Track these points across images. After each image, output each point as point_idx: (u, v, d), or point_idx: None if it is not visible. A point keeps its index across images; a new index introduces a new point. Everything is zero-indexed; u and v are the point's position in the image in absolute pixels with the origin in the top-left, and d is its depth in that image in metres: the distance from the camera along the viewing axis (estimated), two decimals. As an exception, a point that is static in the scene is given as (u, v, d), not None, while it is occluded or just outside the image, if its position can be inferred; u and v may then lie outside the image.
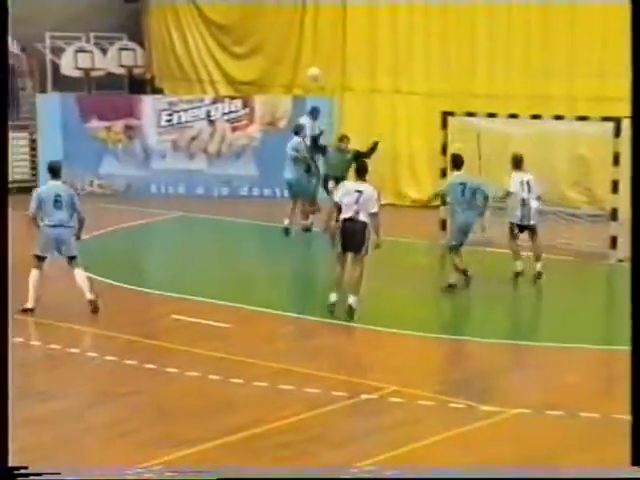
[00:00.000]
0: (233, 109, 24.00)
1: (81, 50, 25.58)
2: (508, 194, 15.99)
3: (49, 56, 25.62)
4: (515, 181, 15.95)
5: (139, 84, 26.50)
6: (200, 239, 20.21)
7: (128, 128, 24.22)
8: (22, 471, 6.58)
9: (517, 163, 16.15)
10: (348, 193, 13.65)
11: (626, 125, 16.46)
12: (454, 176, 15.67)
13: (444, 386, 11.20)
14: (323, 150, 19.62)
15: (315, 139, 19.75)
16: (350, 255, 13.68)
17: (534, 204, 16.02)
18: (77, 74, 25.48)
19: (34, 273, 13.80)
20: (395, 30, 23.01)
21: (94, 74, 25.75)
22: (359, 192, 13.56)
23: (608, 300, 16.44)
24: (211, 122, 23.99)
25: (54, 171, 14.15)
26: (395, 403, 10.57)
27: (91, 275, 16.02)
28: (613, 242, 17.13)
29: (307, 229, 19.41)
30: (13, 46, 23.88)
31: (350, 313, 13.53)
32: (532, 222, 16.00)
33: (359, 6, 23.34)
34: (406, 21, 22.92)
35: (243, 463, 9.01)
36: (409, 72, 22.97)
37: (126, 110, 24.28)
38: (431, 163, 20.84)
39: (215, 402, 10.69)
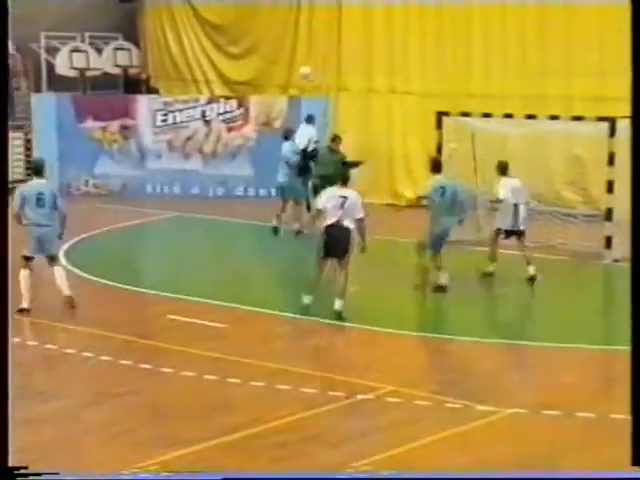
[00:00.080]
0: (228, 109, 23.99)
1: (76, 50, 25.53)
2: (499, 201, 15.98)
3: (44, 56, 25.58)
4: (504, 187, 15.95)
5: (134, 84, 26.47)
6: (196, 239, 20.19)
7: (123, 128, 24.19)
8: (22, 471, 6.56)
9: (503, 169, 16.18)
10: (332, 198, 13.71)
11: (621, 125, 16.49)
12: (434, 180, 15.63)
13: (440, 386, 11.20)
14: (314, 156, 19.77)
15: (305, 150, 19.87)
16: (334, 261, 13.75)
17: (523, 210, 16.03)
18: (72, 74, 25.43)
19: (24, 274, 13.81)
20: (390, 30, 23.00)
21: (89, 74, 25.71)
22: (344, 198, 13.64)
23: (604, 300, 16.46)
24: (206, 122, 23.97)
25: (37, 169, 14.24)
26: (391, 403, 10.57)
27: (86, 275, 16.06)
28: (608, 242, 17.14)
29: (299, 232, 19.38)
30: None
31: (339, 317, 13.57)
32: (522, 227, 16.00)
33: (354, 6, 23.33)
34: (401, 21, 22.92)
35: (239, 463, 9.01)
36: (404, 72, 22.96)
37: (121, 110, 24.24)
38: (427, 163, 20.79)
39: (211, 402, 10.68)
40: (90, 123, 24.13)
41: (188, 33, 25.84)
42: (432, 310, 15.34)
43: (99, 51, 26.00)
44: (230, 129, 23.93)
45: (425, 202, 15.59)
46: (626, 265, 16.39)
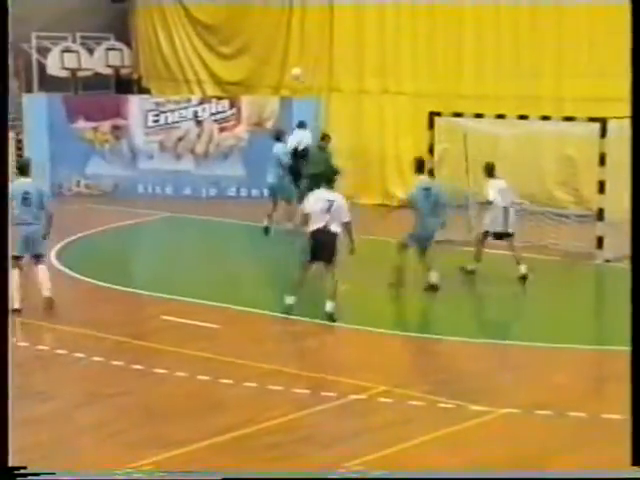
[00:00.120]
0: (220, 109, 23.98)
1: (67, 50, 25.49)
2: (489, 203, 16.00)
3: (35, 56, 25.53)
4: (493, 189, 15.96)
5: (126, 84, 26.44)
6: (188, 240, 20.17)
7: (115, 128, 24.17)
8: (22, 471, 6.58)
9: (490, 171, 16.19)
10: (319, 201, 13.73)
11: (612, 126, 16.53)
12: (419, 181, 15.63)
13: (433, 386, 11.20)
14: (305, 155, 19.78)
15: (296, 149, 19.87)
16: (322, 264, 13.76)
17: (512, 213, 16.06)
18: (64, 74, 25.39)
19: (13, 273, 13.78)
20: (382, 30, 23.01)
21: (81, 74, 25.67)
22: (330, 201, 13.67)
23: (595, 300, 16.49)
24: (198, 122, 23.96)
25: (22, 169, 14.28)
26: (384, 403, 10.58)
27: (78, 276, 16.05)
28: (599, 242, 17.17)
29: (292, 231, 19.36)
30: (-1, 46, 23.80)
31: (330, 319, 13.58)
32: (510, 230, 16.02)
33: (346, 6, 23.33)
34: (393, 21, 22.92)
35: (232, 464, 9.00)
36: (396, 72, 22.97)
37: (113, 110, 24.22)
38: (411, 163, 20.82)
39: (204, 403, 10.68)
40: (81, 123, 24.11)
41: (180, 33, 25.83)
42: (424, 310, 15.36)
43: (90, 51, 25.96)
44: (222, 129, 23.92)
45: (410, 204, 15.59)
46: (618, 265, 16.52)
